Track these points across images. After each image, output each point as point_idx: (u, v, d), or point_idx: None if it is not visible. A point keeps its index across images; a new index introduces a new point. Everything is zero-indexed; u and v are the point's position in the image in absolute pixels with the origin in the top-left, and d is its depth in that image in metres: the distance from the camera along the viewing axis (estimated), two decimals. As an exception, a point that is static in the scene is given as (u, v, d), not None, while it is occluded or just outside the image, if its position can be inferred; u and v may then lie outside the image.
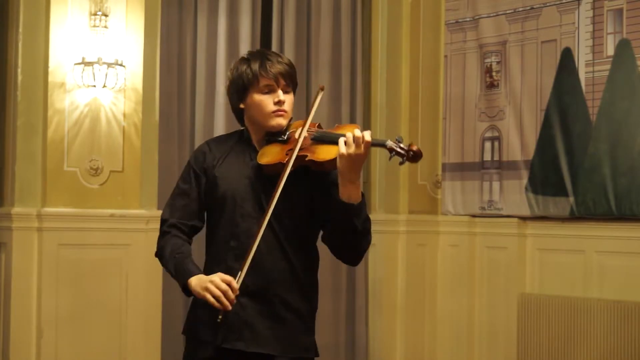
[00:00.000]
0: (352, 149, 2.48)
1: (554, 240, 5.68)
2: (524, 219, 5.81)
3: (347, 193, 2.53)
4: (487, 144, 5.97)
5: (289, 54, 5.78)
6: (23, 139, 4.85)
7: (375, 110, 6.19)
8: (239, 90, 2.71)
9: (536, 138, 5.68)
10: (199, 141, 5.30)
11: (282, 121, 2.68)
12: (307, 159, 2.57)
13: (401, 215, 6.14)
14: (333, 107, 5.96)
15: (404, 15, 6.22)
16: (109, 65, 4.86)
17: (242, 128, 2.82)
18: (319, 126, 2.69)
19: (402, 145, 2.49)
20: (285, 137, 2.66)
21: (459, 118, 6.12)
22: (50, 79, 4.85)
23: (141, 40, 5.08)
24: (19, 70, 4.85)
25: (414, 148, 2.48)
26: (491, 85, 5.95)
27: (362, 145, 2.48)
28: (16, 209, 4.81)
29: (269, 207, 2.55)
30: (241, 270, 2.55)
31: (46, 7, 4.87)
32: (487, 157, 5.96)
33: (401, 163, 2.51)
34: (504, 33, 5.87)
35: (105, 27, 4.92)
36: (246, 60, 2.73)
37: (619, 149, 5.29)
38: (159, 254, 2.77)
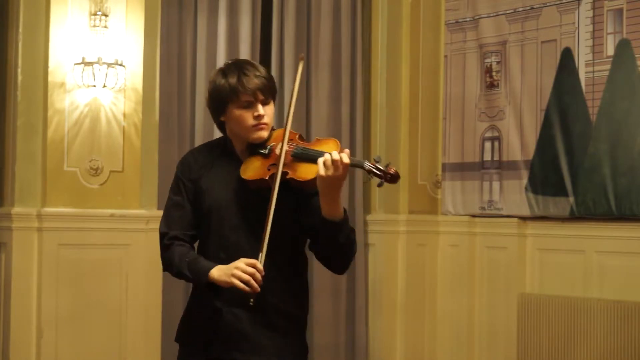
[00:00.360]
0: (331, 171, 2.50)
1: (554, 240, 5.68)
2: (524, 219, 5.81)
3: (329, 211, 2.55)
4: (487, 144, 5.97)
5: (289, 54, 5.78)
6: (23, 139, 4.85)
7: (375, 110, 6.19)
8: (218, 104, 2.72)
9: (536, 138, 5.68)
10: (199, 141, 5.30)
11: (262, 134, 2.69)
12: (288, 176, 2.60)
13: (401, 215, 6.14)
14: (333, 107, 5.96)
15: (404, 15, 6.21)
16: (109, 65, 4.86)
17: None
18: (300, 137, 2.71)
19: (379, 166, 2.53)
20: (267, 152, 2.67)
21: (459, 118, 6.12)
22: (50, 79, 4.85)
23: (141, 40, 5.08)
24: (19, 70, 4.85)
25: (392, 171, 2.52)
26: (491, 85, 5.95)
27: (341, 167, 2.50)
28: (16, 209, 4.81)
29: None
30: (261, 252, 2.56)
31: (46, 7, 4.87)
32: (487, 157, 5.96)
33: (379, 185, 2.55)
34: (504, 33, 5.87)
35: (105, 27, 4.92)
36: (223, 74, 2.72)
37: (619, 149, 5.29)
38: (167, 266, 2.75)
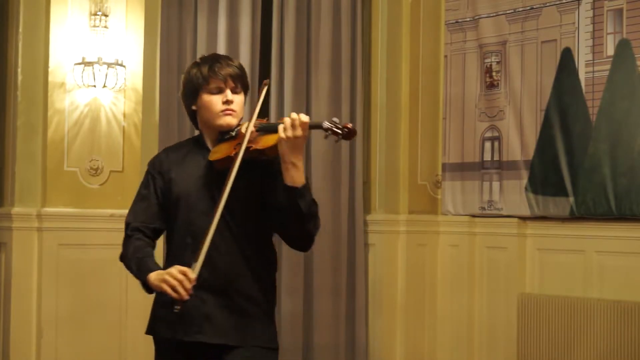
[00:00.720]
0: (290, 132, 2.59)
1: (554, 240, 5.68)
2: (524, 219, 5.81)
3: (290, 177, 2.62)
4: (487, 144, 5.97)
5: (289, 54, 5.78)
6: (23, 139, 4.85)
7: (375, 110, 6.19)
8: (191, 92, 2.81)
9: (536, 138, 5.68)
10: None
11: (231, 120, 2.78)
12: (251, 149, 2.68)
13: (401, 215, 6.14)
14: (333, 107, 5.96)
15: (404, 15, 6.21)
16: (109, 65, 4.86)
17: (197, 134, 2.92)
18: (267, 120, 2.81)
19: (338, 124, 2.61)
20: (234, 134, 2.76)
21: (459, 118, 6.12)
22: (50, 79, 4.85)
23: (141, 40, 5.08)
24: (19, 70, 4.85)
25: (349, 126, 2.59)
26: (491, 85, 5.95)
27: (299, 127, 2.59)
28: (16, 209, 4.81)
29: (222, 197, 2.64)
30: (196, 261, 2.62)
31: (46, 7, 4.87)
32: (487, 157, 5.96)
33: (336, 141, 2.63)
34: (504, 33, 5.87)
35: (105, 27, 4.92)
36: (197, 64, 2.82)
37: (619, 149, 5.29)
38: (122, 257, 2.84)
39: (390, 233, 6.10)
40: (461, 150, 6.09)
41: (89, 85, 4.87)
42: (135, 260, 2.75)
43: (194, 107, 2.82)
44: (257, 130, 2.71)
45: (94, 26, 4.90)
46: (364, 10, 6.19)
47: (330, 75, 5.96)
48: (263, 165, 2.73)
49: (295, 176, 2.62)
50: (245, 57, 5.58)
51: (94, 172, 4.94)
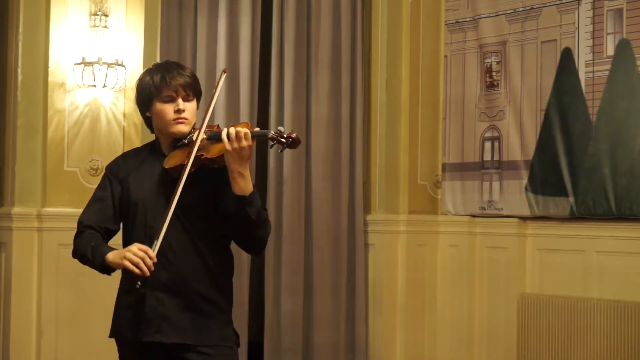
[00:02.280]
0: (236, 144, 2.67)
1: (554, 240, 5.68)
2: (524, 219, 5.81)
3: (238, 186, 2.71)
4: (487, 144, 5.97)
5: (289, 54, 5.78)
6: (23, 139, 4.85)
7: (375, 110, 6.19)
8: (144, 100, 2.89)
9: (536, 138, 5.68)
10: (199, 141, 5.30)
11: (183, 128, 2.85)
12: (202, 157, 2.76)
13: (401, 215, 6.14)
14: (333, 107, 5.96)
15: (404, 15, 6.21)
16: (109, 65, 4.86)
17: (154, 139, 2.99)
18: (218, 127, 2.86)
19: (283, 134, 2.69)
20: (187, 141, 2.84)
21: (459, 118, 6.12)
22: (50, 79, 4.85)
23: (141, 40, 5.08)
24: (19, 70, 4.86)
25: (293, 135, 2.68)
26: (491, 85, 5.95)
27: (242, 138, 2.67)
28: (16, 209, 4.81)
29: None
30: (157, 239, 2.69)
31: (46, 7, 4.87)
32: (487, 157, 5.96)
33: (281, 150, 2.72)
34: (504, 33, 5.87)
35: (105, 27, 4.92)
36: (150, 72, 2.90)
37: (619, 149, 5.29)
38: (75, 252, 2.90)
39: (390, 233, 6.10)
40: (461, 150, 6.09)
41: (89, 85, 4.87)
42: (90, 248, 2.82)
43: (148, 114, 2.90)
44: (207, 139, 2.78)
45: (94, 26, 4.91)
46: (364, 10, 6.19)
47: (330, 75, 5.96)
48: (216, 172, 2.80)
49: (242, 185, 2.70)
50: (245, 57, 5.58)
51: (94, 172, 4.94)
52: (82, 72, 4.85)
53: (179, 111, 2.83)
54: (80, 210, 4.94)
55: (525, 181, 5.73)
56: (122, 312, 2.95)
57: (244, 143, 2.67)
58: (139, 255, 2.67)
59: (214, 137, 2.78)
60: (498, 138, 5.91)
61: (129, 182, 2.89)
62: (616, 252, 5.37)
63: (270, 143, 2.70)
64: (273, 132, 2.69)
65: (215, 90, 2.87)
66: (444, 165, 6.19)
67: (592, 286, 5.46)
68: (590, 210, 5.41)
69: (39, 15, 4.88)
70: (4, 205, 4.96)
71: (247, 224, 2.74)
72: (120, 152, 4.99)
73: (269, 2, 5.79)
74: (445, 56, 6.20)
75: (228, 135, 2.68)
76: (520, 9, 5.79)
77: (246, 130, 2.68)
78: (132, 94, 5.00)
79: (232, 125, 2.75)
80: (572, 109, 5.51)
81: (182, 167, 2.75)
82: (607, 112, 5.34)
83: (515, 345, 5.70)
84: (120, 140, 5.00)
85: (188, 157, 2.75)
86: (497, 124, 5.92)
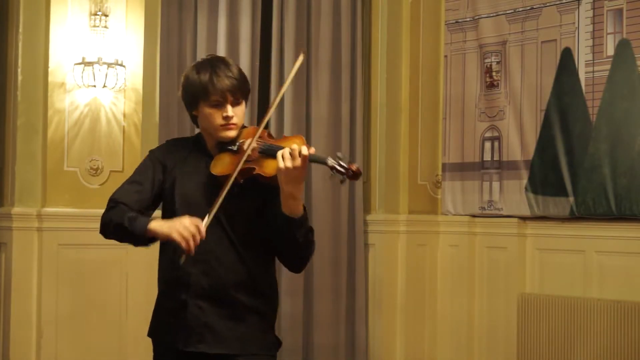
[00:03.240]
0: (290, 163, 2.51)
1: (554, 240, 5.68)
2: (524, 219, 5.81)
3: (288, 207, 2.58)
4: (487, 144, 5.97)
5: (288, 54, 5.78)
6: (23, 139, 4.85)
7: (375, 110, 6.19)
8: (191, 100, 2.75)
9: (536, 138, 5.68)
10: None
11: (230, 134, 2.71)
12: (255, 172, 2.61)
13: (401, 215, 6.14)
14: (333, 107, 5.96)
15: (404, 15, 6.21)
16: (109, 65, 4.86)
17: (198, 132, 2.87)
18: (269, 134, 2.73)
19: (342, 163, 2.49)
20: (236, 148, 2.70)
21: (459, 118, 6.12)
22: (50, 79, 4.85)
23: (141, 40, 5.08)
24: (19, 70, 4.85)
25: (354, 168, 2.48)
26: (491, 85, 5.95)
27: (300, 159, 2.50)
28: (16, 209, 4.81)
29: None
30: (209, 214, 2.57)
31: (46, 7, 4.87)
32: (487, 157, 5.96)
33: (342, 182, 2.51)
34: (504, 33, 5.87)
35: (105, 27, 4.92)
36: (197, 70, 2.73)
37: (619, 149, 5.29)
38: (105, 223, 2.72)
39: (390, 233, 6.10)
40: (461, 150, 6.10)
41: (89, 85, 4.87)
42: (127, 217, 2.65)
43: (194, 113, 2.77)
44: (260, 152, 2.63)
45: (94, 26, 4.90)
46: (364, 10, 6.19)
47: (330, 75, 5.96)
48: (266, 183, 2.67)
49: (292, 207, 2.57)
50: (245, 57, 5.58)
51: (94, 172, 4.94)
52: (82, 72, 4.85)
53: (227, 117, 2.68)
54: (80, 210, 4.96)
55: (525, 181, 5.73)
56: (163, 316, 2.80)
57: (298, 162, 2.50)
58: (190, 230, 2.53)
59: (268, 151, 2.62)
60: (498, 138, 5.91)
61: (175, 174, 2.75)
62: (616, 252, 5.37)
63: (330, 172, 2.49)
64: (332, 160, 2.49)
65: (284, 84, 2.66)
66: (444, 165, 6.19)
67: (592, 286, 5.46)
68: (590, 210, 5.41)
69: (39, 15, 4.87)
70: (4, 205, 4.96)
71: (293, 245, 2.63)
72: (120, 152, 5.01)
73: (269, 2, 5.79)
74: (445, 56, 6.20)
75: (283, 155, 2.51)
76: (520, 9, 5.79)
77: (305, 152, 2.50)
78: (131, 93, 5.03)
79: (285, 138, 2.62)
80: (572, 109, 5.51)
81: (229, 177, 2.61)
82: (607, 112, 5.34)
83: (515, 345, 5.70)
84: (120, 140, 5.00)
85: (235, 169, 2.60)
86: (497, 124, 5.92)
